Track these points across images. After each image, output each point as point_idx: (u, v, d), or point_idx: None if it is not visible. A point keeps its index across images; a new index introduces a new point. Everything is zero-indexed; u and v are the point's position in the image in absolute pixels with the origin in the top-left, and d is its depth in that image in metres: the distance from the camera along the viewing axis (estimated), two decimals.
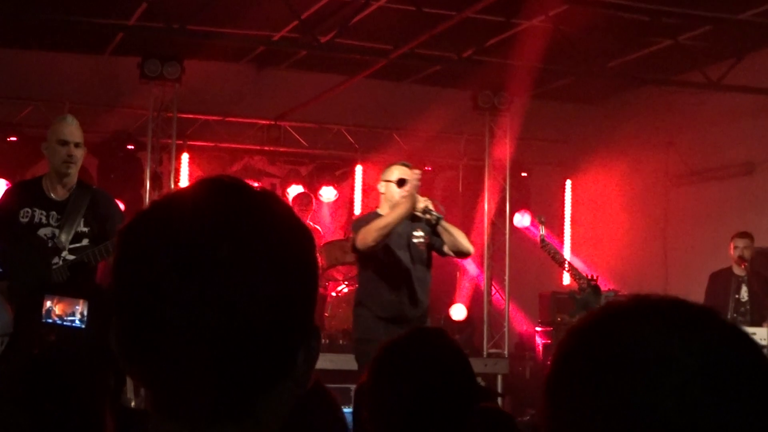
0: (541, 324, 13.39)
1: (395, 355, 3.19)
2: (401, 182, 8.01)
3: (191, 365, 1.33)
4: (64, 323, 2.17)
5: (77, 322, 2.05)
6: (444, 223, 8.06)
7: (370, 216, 8.10)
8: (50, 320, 2.16)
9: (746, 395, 1.23)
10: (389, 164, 8.35)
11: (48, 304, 1.96)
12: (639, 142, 14.35)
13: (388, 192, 8.08)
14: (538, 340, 13.23)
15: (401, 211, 7.77)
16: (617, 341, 1.27)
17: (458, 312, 14.17)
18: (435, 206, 8.06)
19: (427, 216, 7.98)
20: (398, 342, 3.26)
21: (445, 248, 8.12)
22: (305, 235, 1.45)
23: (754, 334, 8.88)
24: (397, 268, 7.98)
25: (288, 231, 1.43)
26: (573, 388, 1.28)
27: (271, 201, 1.44)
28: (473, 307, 14.08)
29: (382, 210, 8.05)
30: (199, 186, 1.45)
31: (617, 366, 1.25)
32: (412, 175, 8.10)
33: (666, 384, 1.22)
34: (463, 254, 8.37)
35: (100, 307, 2.03)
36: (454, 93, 13.87)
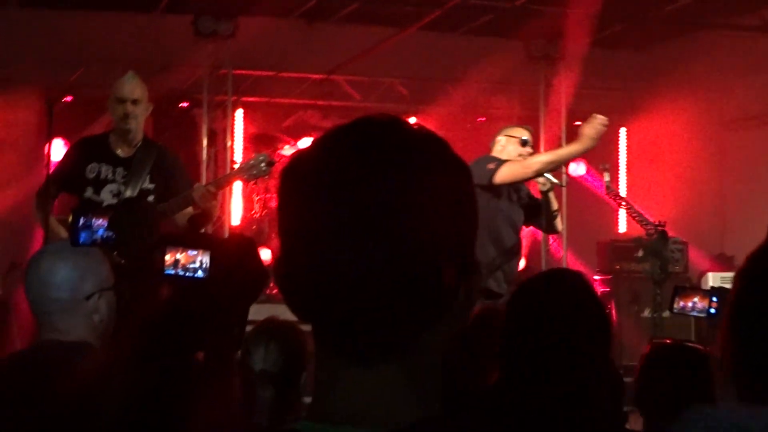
0: (600, 272, 13.34)
1: (532, 295, 3.19)
2: (524, 143, 8.01)
3: (357, 301, 1.35)
4: (186, 275, 2.19)
5: (200, 272, 2.07)
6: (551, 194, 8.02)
7: (489, 158, 7.87)
8: (172, 272, 2.17)
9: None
10: (512, 124, 8.57)
11: (171, 256, 1.98)
12: (694, 88, 14.21)
13: (506, 147, 8.02)
14: (597, 289, 13.20)
15: (579, 147, 7.70)
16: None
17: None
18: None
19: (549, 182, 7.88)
20: (535, 280, 3.27)
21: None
22: (463, 170, 1.47)
23: None
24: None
25: (447, 167, 1.45)
26: (759, 308, 1.30)
27: (429, 137, 1.47)
28: (531, 257, 14.05)
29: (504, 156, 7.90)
30: (359, 124, 1.47)
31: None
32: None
33: None
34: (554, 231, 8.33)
35: (218, 257, 2.05)
36: (507, 43, 13.77)
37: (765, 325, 1.31)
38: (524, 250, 14.17)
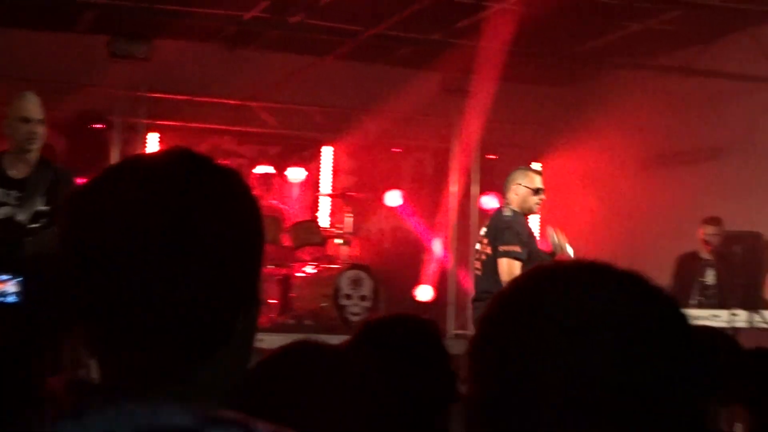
0: None
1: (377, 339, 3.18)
2: (537, 191, 8.64)
3: (133, 331, 1.35)
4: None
5: (11, 297, 2.02)
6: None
7: (513, 220, 8.57)
8: None
9: (670, 351, 1.24)
10: (523, 168, 9.06)
11: None
12: (608, 125, 14.35)
13: (522, 193, 8.62)
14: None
15: None
16: (543, 303, 1.27)
17: (424, 293, 14.20)
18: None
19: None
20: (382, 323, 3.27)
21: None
22: (250, 206, 1.47)
23: (717, 316, 8.94)
24: None
25: (232, 202, 1.44)
26: (497, 351, 1.28)
27: (214, 169, 1.46)
28: (440, 288, 14.10)
29: (515, 206, 8.64)
30: (141, 156, 1.48)
31: (545, 327, 1.25)
32: (542, 182, 8.75)
33: (592, 343, 1.22)
34: None
35: (35, 281, 2.00)
36: (423, 75, 13.85)
37: (506, 370, 1.30)
38: (433, 282, 14.29)
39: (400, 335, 3.16)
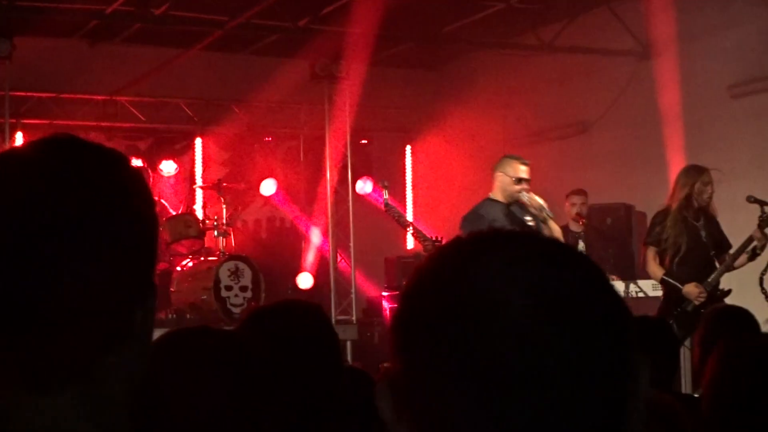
0: (388, 289, 13.48)
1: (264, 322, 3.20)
2: (519, 181, 8.64)
3: (24, 329, 1.31)
4: None
5: None
6: (551, 223, 8.80)
7: (482, 208, 8.69)
8: None
9: (579, 333, 1.20)
10: (507, 155, 9.09)
11: None
12: (476, 105, 14.51)
13: (502, 183, 8.71)
14: (386, 305, 13.31)
15: None
16: (452, 281, 1.23)
17: (305, 280, 14.20)
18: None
19: (543, 214, 8.69)
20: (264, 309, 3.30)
21: None
22: (142, 191, 1.43)
23: None
24: None
25: (121, 187, 1.40)
26: (414, 329, 1.26)
27: (104, 156, 1.42)
28: (320, 275, 14.11)
29: (495, 195, 8.73)
30: (27, 145, 1.43)
31: (453, 308, 1.21)
32: (527, 172, 8.71)
33: (499, 327, 1.18)
34: None
35: None
36: (292, 62, 13.81)
37: (421, 349, 1.28)
38: (313, 269, 14.30)
39: (287, 320, 3.17)
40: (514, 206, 8.78)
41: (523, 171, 8.75)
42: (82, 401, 1.35)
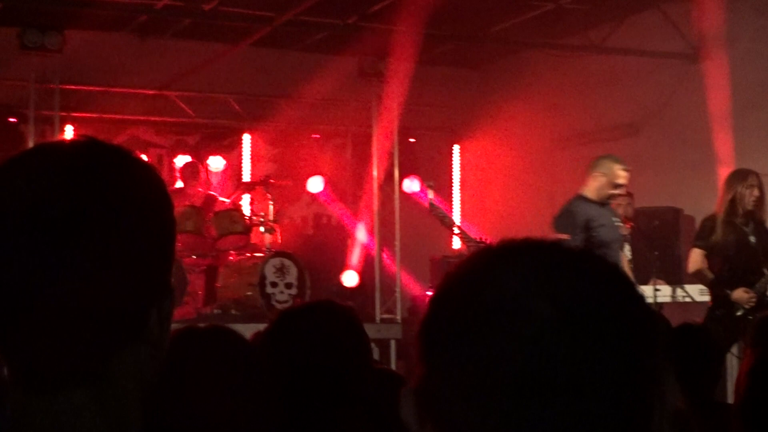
0: (433, 288, 13.46)
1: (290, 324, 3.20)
2: (616, 186, 8.71)
3: (37, 328, 1.32)
4: None
5: None
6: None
7: (574, 206, 8.68)
8: None
9: (603, 344, 1.20)
10: (608, 156, 9.00)
11: None
12: (524, 106, 14.46)
13: (600, 184, 8.71)
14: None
15: None
16: (478, 289, 1.23)
17: (350, 278, 14.19)
18: None
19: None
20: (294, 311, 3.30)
21: None
22: (159, 194, 1.44)
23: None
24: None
25: (139, 190, 1.41)
26: (439, 335, 1.25)
27: (122, 158, 1.43)
28: (365, 274, 14.10)
29: (589, 193, 8.73)
30: (43, 146, 1.46)
31: (478, 316, 1.21)
32: (626, 179, 8.82)
33: (522, 336, 1.18)
34: None
35: None
36: (339, 60, 13.83)
37: (445, 355, 1.28)
38: (358, 267, 14.30)
39: (316, 321, 3.17)
40: (606, 206, 8.82)
41: (622, 177, 8.79)
42: (92, 401, 1.36)
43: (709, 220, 9.14)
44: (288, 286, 11.92)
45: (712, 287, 9.03)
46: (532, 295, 1.20)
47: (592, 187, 8.75)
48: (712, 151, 11.95)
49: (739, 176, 9.19)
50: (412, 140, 15.49)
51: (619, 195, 8.79)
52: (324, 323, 3.17)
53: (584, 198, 8.74)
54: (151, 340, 1.40)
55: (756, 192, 9.07)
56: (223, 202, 13.22)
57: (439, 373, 1.24)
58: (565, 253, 1.29)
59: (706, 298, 9.35)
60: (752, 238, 9.10)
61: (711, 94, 12.04)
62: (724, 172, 9.82)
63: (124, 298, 1.35)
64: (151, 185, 1.43)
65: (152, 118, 14.62)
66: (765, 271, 9.06)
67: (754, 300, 8.81)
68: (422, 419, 1.26)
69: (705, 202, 9.29)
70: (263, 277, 11.81)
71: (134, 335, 1.37)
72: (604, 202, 8.77)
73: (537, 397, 1.17)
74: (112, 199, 1.36)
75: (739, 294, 8.85)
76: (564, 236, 8.42)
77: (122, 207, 1.37)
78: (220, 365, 2.40)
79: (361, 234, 14.44)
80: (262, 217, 12.78)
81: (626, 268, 8.92)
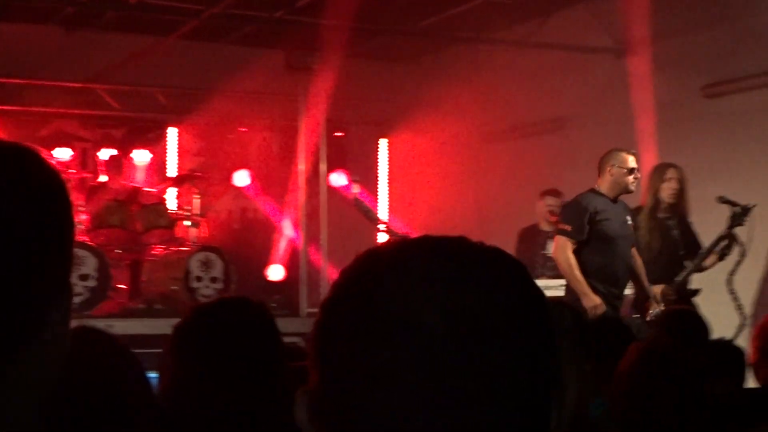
0: None
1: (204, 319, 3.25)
2: (630, 171, 8.74)
3: None
4: None
5: None
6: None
7: (584, 199, 8.77)
8: None
9: (494, 355, 1.19)
10: (613, 149, 8.99)
11: None
12: (452, 100, 14.47)
13: (616, 175, 8.76)
14: None
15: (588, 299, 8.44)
16: (369, 297, 1.22)
17: (276, 272, 14.17)
18: None
19: None
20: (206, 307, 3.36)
21: None
22: (53, 188, 1.39)
23: (563, 285, 9.14)
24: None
25: (33, 188, 1.37)
26: (331, 341, 1.25)
27: (15, 155, 1.38)
28: (292, 268, 14.07)
29: (602, 188, 8.79)
30: None
31: (368, 325, 1.20)
32: (636, 161, 8.89)
33: (412, 348, 1.17)
34: None
35: None
36: (267, 54, 13.79)
37: (335, 360, 1.27)
38: (284, 261, 14.26)
39: (226, 317, 3.20)
40: (619, 203, 8.87)
41: (632, 161, 8.83)
42: None
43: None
44: (213, 280, 11.88)
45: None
46: (423, 307, 1.19)
47: (606, 182, 8.83)
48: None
49: (659, 170, 9.37)
50: (339, 134, 15.47)
51: (637, 179, 8.86)
52: (235, 319, 3.19)
53: (595, 191, 8.85)
54: (52, 340, 1.36)
55: (675, 185, 9.21)
56: (149, 195, 13.09)
57: (330, 378, 1.24)
58: (462, 256, 1.27)
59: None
60: (675, 232, 9.22)
61: (636, 89, 12.14)
62: (648, 167, 9.91)
63: (18, 299, 1.31)
64: (46, 183, 1.39)
65: (78, 112, 14.47)
66: (686, 264, 9.17)
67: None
68: (312, 422, 1.26)
69: (631, 196, 9.37)
70: (188, 272, 11.76)
71: (31, 336, 1.33)
72: (616, 199, 8.85)
73: (428, 409, 1.17)
74: (0, 197, 1.33)
75: (658, 291, 9.02)
76: (566, 227, 8.62)
77: (12, 205, 1.33)
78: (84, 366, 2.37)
79: (287, 228, 14.40)
80: (188, 210, 12.71)
81: (637, 267, 8.98)
